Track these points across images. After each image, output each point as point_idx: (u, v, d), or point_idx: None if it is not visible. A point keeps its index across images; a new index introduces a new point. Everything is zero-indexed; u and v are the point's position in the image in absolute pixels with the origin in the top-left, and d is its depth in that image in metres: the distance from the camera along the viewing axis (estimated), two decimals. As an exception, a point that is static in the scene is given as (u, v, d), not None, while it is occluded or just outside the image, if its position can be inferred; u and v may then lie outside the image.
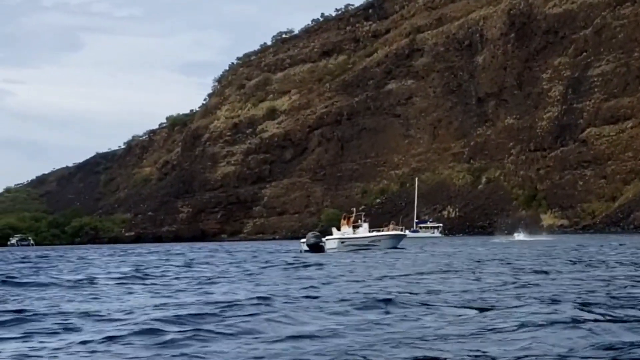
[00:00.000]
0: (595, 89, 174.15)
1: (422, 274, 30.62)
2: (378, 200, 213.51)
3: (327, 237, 75.45)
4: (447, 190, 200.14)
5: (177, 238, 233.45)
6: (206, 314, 16.96)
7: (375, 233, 76.49)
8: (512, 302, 17.90)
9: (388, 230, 78.28)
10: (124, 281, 30.68)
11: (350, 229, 75.88)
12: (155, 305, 19.40)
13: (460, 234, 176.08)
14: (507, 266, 34.91)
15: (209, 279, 30.67)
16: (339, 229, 77.72)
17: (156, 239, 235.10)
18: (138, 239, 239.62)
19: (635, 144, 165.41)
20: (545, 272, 29.02)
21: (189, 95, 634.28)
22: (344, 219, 78.45)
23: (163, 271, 38.90)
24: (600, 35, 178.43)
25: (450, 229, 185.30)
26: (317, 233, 79.24)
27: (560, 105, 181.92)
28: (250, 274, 33.83)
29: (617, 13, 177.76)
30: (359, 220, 77.99)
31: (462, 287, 22.83)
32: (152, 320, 15.69)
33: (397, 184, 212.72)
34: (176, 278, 32.21)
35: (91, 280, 31.16)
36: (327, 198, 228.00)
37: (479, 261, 40.91)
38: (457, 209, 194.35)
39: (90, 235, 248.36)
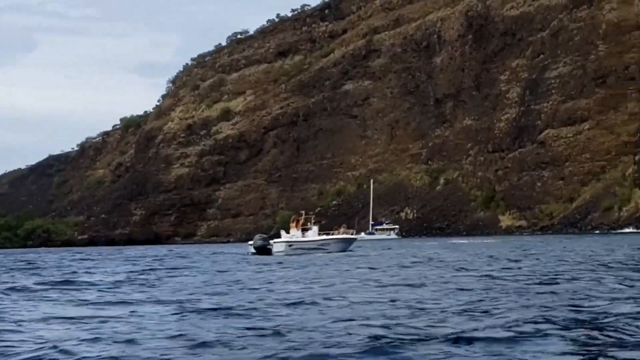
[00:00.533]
0: (553, 91, 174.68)
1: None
2: (334, 202, 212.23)
3: (275, 240, 74.32)
4: (404, 192, 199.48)
5: (130, 241, 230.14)
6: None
7: (324, 236, 75.46)
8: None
9: (338, 233, 77.23)
10: None
11: (299, 232, 74.72)
12: None
13: (418, 236, 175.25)
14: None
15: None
16: (288, 232, 76.62)
17: (109, 242, 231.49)
18: (91, 242, 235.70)
19: (592, 146, 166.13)
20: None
21: (144, 97, 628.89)
22: (293, 221, 77.40)
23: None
24: (557, 38, 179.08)
25: (408, 231, 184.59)
26: (265, 236, 78.51)
27: (518, 106, 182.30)
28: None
29: (574, 15, 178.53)
30: (309, 223, 76.96)
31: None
32: None
33: (354, 186, 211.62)
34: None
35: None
36: (283, 200, 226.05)
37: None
38: (415, 211, 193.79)
39: (43, 238, 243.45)
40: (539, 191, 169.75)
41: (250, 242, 76.50)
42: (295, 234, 74.58)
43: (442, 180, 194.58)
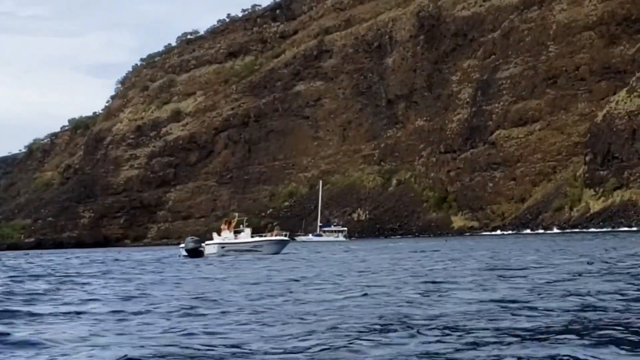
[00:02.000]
0: (504, 92, 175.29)
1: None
2: (287, 204, 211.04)
3: (207, 242, 74.10)
4: (357, 193, 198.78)
5: (79, 244, 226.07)
6: None
7: (257, 238, 75.12)
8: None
9: (272, 235, 76.67)
10: None
11: (232, 234, 74.35)
12: None
13: (368, 237, 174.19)
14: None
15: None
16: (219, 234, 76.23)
17: (57, 245, 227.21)
18: (38, 245, 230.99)
19: (543, 146, 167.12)
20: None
21: (96, 98, 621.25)
22: (225, 223, 77.37)
23: None
24: (508, 38, 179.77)
25: (360, 232, 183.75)
26: (197, 238, 78.67)
27: (470, 107, 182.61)
28: None
29: (525, 16, 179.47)
30: (241, 225, 76.66)
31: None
32: None
33: (307, 187, 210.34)
34: None
35: None
36: (234, 202, 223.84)
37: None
38: (367, 212, 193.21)
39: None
40: (491, 192, 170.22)
41: (182, 245, 76.19)
42: (227, 236, 74.06)
43: (394, 182, 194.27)
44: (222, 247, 73.52)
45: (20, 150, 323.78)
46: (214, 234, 77.97)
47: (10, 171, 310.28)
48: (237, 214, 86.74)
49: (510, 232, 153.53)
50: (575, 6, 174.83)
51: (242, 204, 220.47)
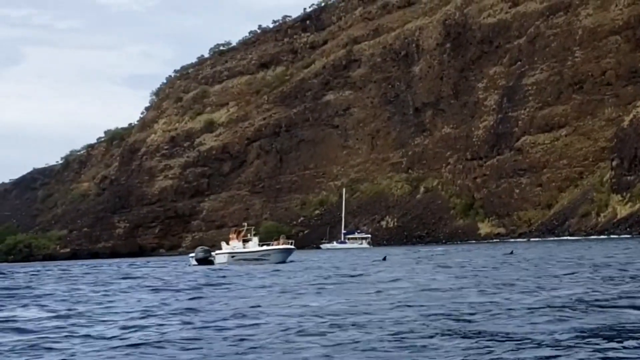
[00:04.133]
0: (530, 98, 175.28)
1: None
2: (317, 212, 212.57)
3: (217, 252, 75.85)
4: (385, 200, 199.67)
5: (114, 254, 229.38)
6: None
7: (265, 247, 76.52)
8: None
9: (278, 244, 78.13)
10: None
11: (240, 243, 75.95)
12: None
13: (393, 244, 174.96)
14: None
15: None
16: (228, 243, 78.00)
17: (92, 255, 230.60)
18: (74, 256, 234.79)
19: (569, 152, 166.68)
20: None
21: (131, 109, 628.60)
22: (233, 233, 79.02)
23: None
24: (534, 45, 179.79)
25: (389, 239, 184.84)
26: (207, 248, 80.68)
27: (496, 114, 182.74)
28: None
29: (550, 22, 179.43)
30: (249, 235, 77.99)
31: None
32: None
33: (336, 195, 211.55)
34: None
35: None
36: (266, 210, 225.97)
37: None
38: (395, 219, 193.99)
39: (25, 252, 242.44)
40: (517, 198, 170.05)
41: (192, 255, 77.93)
42: (236, 245, 75.61)
43: (422, 189, 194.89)
44: (232, 257, 75.15)
45: (57, 161, 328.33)
46: (223, 244, 79.79)
47: (47, 182, 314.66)
48: (245, 224, 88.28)
49: (537, 238, 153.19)
50: (602, 11, 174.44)
51: (274, 213, 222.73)
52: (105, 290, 37.63)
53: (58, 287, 41.78)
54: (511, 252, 70.11)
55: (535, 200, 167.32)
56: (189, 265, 75.53)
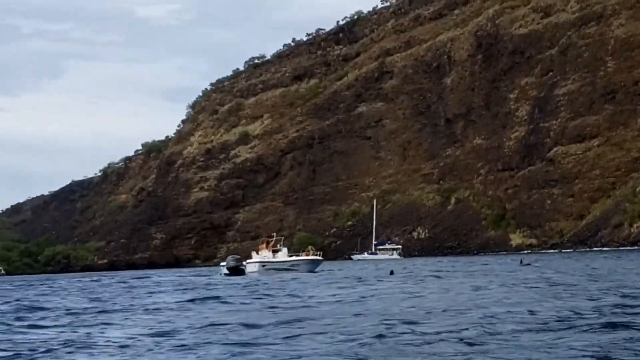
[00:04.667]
0: (562, 108, 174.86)
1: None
2: (349, 223, 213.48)
3: (249, 261, 76.80)
4: (417, 211, 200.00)
5: (150, 265, 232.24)
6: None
7: (294, 257, 77.73)
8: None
9: (306, 254, 79.45)
10: None
11: (270, 253, 76.95)
12: None
13: (425, 255, 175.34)
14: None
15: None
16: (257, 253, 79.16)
17: (129, 266, 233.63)
18: (111, 267, 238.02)
19: (601, 162, 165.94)
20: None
21: (168, 121, 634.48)
22: (263, 243, 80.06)
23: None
24: (565, 55, 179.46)
25: (421, 250, 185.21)
26: (238, 257, 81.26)
27: (527, 124, 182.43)
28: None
29: (582, 32, 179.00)
30: (278, 245, 79.09)
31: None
32: None
33: (368, 206, 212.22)
34: None
35: None
36: (300, 221, 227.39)
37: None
38: (426, 230, 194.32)
39: (63, 263, 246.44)
40: (549, 209, 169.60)
41: (223, 264, 78.82)
42: (266, 255, 76.66)
43: (453, 200, 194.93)
44: (263, 266, 76.32)
45: (95, 174, 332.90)
46: (253, 253, 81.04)
47: (86, 194, 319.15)
48: (275, 234, 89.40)
49: (569, 250, 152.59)
50: (634, 21, 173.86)
51: (307, 224, 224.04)
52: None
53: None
54: (522, 262, 70.33)
55: (567, 211, 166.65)
56: (221, 274, 76.17)
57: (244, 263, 77.65)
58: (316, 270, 75.88)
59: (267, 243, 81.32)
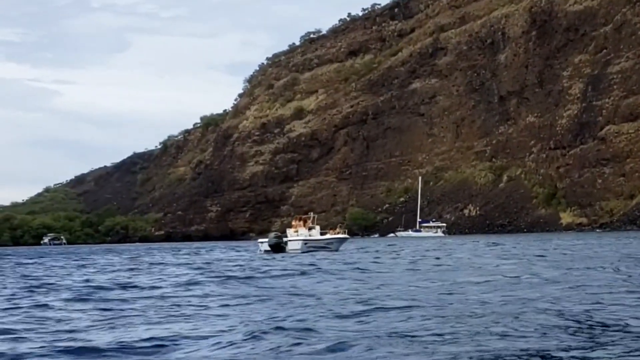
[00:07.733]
0: (615, 86, 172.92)
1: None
2: (402, 199, 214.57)
3: (290, 238, 77.17)
4: (469, 189, 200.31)
5: (206, 237, 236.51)
6: None
7: (329, 235, 78.73)
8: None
9: (334, 232, 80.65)
10: None
11: (306, 231, 77.75)
12: None
13: (477, 233, 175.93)
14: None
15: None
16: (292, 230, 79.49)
17: (185, 237, 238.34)
18: (168, 238, 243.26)
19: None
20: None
21: (228, 95, 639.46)
22: (299, 220, 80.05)
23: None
24: (620, 32, 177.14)
25: (471, 227, 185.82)
26: (279, 233, 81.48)
27: (580, 102, 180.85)
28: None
29: (638, 9, 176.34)
30: (312, 223, 79.79)
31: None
32: None
33: (421, 183, 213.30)
34: None
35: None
36: (353, 197, 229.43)
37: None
38: (477, 208, 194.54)
39: (121, 234, 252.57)
40: (600, 188, 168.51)
41: (262, 240, 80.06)
42: (303, 233, 77.87)
43: (505, 178, 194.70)
44: (305, 243, 77.53)
45: (156, 146, 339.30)
46: (288, 230, 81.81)
47: (146, 167, 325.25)
48: (312, 212, 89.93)
49: (617, 229, 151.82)
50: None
51: (360, 199, 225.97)
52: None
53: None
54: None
55: (618, 190, 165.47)
56: (260, 251, 76.29)
57: (285, 240, 78.16)
58: (340, 248, 77.31)
59: (304, 221, 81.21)
